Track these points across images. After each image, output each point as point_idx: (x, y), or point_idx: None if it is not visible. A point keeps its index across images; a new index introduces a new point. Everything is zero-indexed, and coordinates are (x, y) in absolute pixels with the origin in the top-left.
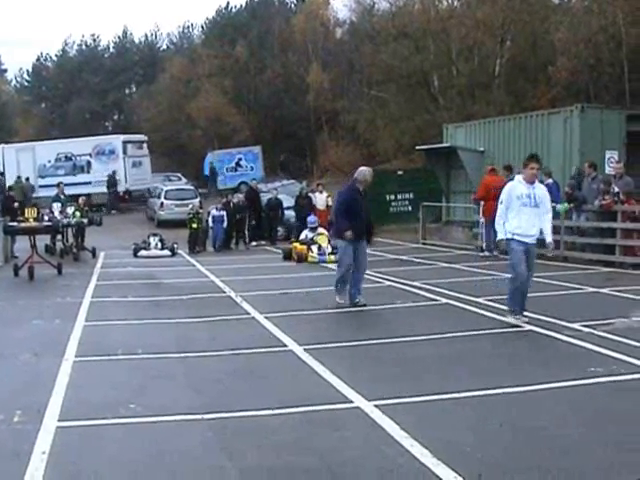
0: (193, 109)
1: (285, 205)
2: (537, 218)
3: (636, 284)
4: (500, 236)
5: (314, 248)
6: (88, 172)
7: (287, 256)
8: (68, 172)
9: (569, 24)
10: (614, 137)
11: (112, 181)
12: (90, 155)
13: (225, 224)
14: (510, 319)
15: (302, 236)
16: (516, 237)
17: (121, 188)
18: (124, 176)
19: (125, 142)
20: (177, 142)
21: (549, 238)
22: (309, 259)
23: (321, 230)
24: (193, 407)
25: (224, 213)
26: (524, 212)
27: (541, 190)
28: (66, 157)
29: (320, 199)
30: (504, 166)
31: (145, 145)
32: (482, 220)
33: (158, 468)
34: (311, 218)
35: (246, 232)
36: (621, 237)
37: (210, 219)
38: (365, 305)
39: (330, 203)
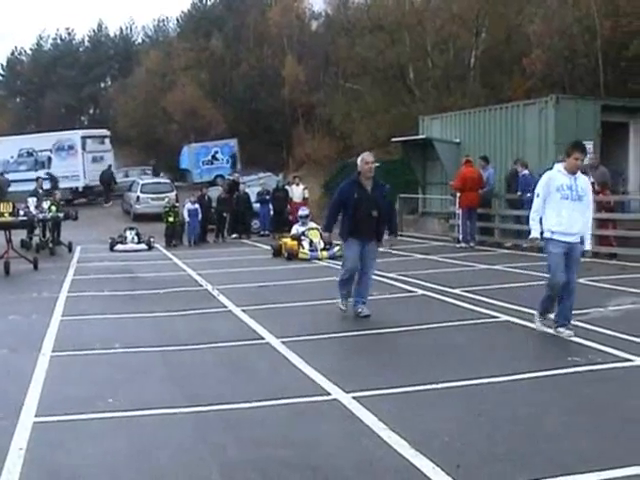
0: (169, 103)
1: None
2: (580, 213)
3: (612, 274)
4: (534, 234)
5: (305, 244)
6: (49, 167)
7: (277, 252)
8: (30, 167)
9: (544, 16)
10: (589, 128)
11: (107, 175)
12: (50, 151)
13: (200, 217)
14: (538, 325)
15: (293, 231)
16: (555, 236)
17: (80, 183)
18: (82, 171)
19: (84, 137)
20: (153, 136)
21: (588, 244)
22: (300, 255)
23: (312, 224)
24: (172, 401)
25: (198, 207)
26: (565, 206)
27: (584, 181)
28: (28, 153)
29: (297, 191)
30: (480, 157)
31: (108, 140)
32: (458, 211)
33: (138, 463)
34: (302, 210)
35: (226, 225)
36: (596, 227)
37: (185, 213)
38: (369, 316)
39: (307, 195)
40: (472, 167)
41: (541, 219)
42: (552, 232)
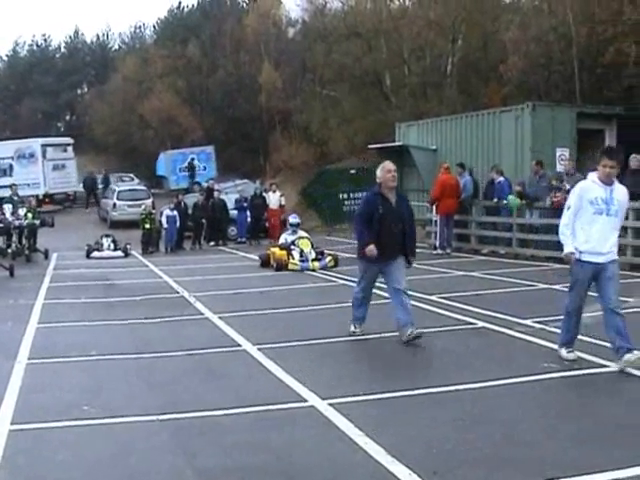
0: (145, 109)
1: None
2: (612, 231)
3: None
4: (569, 249)
5: (295, 254)
6: (11, 175)
7: (265, 263)
8: None
9: (520, 23)
10: (565, 135)
11: (89, 181)
12: (12, 158)
13: (178, 224)
14: (563, 353)
15: (281, 240)
16: (583, 257)
17: (40, 191)
18: (43, 179)
19: (44, 145)
20: (130, 143)
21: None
22: (290, 266)
23: (302, 233)
24: (148, 408)
25: (177, 213)
26: (597, 222)
27: (621, 193)
28: None
29: (273, 198)
30: (457, 164)
31: (70, 148)
32: (436, 218)
33: (113, 470)
34: (292, 217)
35: (203, 232)
36: None
37: (164, 219)
38: (419, 337)
39: (283, 202)
40: (450, 174)
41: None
42: (581, 252)
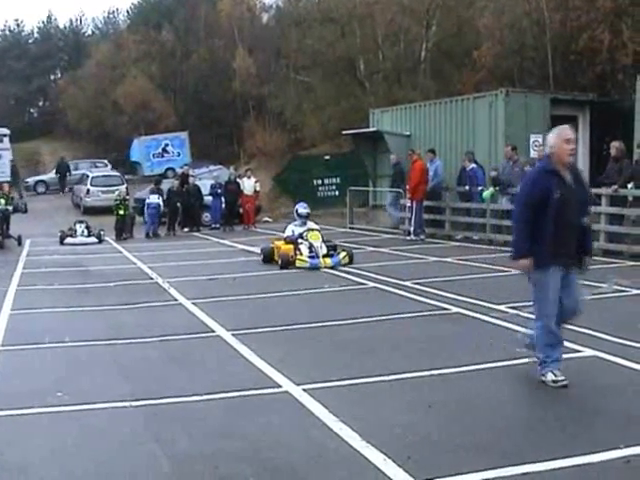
0: (119, 95)
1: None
2: None
3: None
4: None
5: (303, 248)
6: None
7: (268, 258)
8: None
9: (494, 9)
10: (538, 121)
11: (63, 167)
12: None
13: (161, 210)
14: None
15: (288, 232)
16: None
17: None
18: None
19: None
20: (103, 128)
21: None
22: (297, 263)
23: (312, 224)
24: (122, 394)
25: (160, 200)
26: None
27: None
28: None
29: (248, 184)
30: (428, 150)
31: (7, 139)
32: (409, 204)
33: (87, 457)
34: (302, 207)
35: (178, 218)
36: None
37: (146, 206)
38: (565, 385)
39: (258, 188)
40: (421, 160)
41: None
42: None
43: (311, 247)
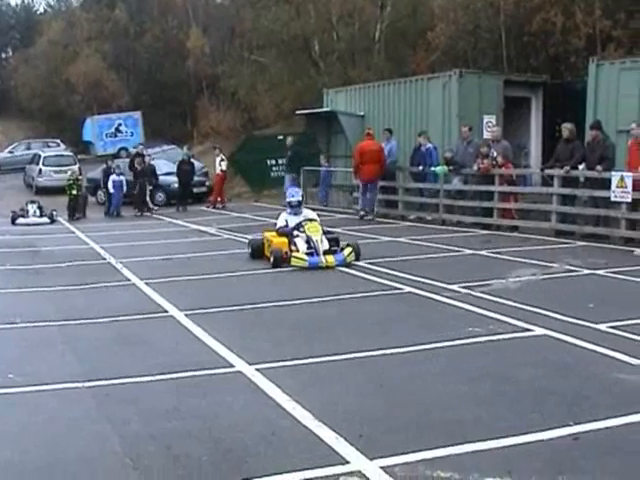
0: (72, 74)
1: (165, 170)
2: None
3: (513, 246)
4: None
5: (300, 243)
6: None
7: (257, 253)
8: None
9: None
10: (492, 102)
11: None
12: None
13: (125, 190)
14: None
15: (280, 222)
16: None
17: None
18: None
19: None
20: (55, 107)
21: None
22: (293, 261)
23: (309, 213)
24: (74, 375)
25: (123, 179)
26: None
27: None
28: None
29: (215, 163)
30: (384, 129)
31: None
32: (359, 184)
33: (39, 438)
34: (291, 194)
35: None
36: (498, 200)
37: (110, 184)
38: None
39: (224, 167)
40: (372, 140)
41: None
42: None
43: (309, 241)
